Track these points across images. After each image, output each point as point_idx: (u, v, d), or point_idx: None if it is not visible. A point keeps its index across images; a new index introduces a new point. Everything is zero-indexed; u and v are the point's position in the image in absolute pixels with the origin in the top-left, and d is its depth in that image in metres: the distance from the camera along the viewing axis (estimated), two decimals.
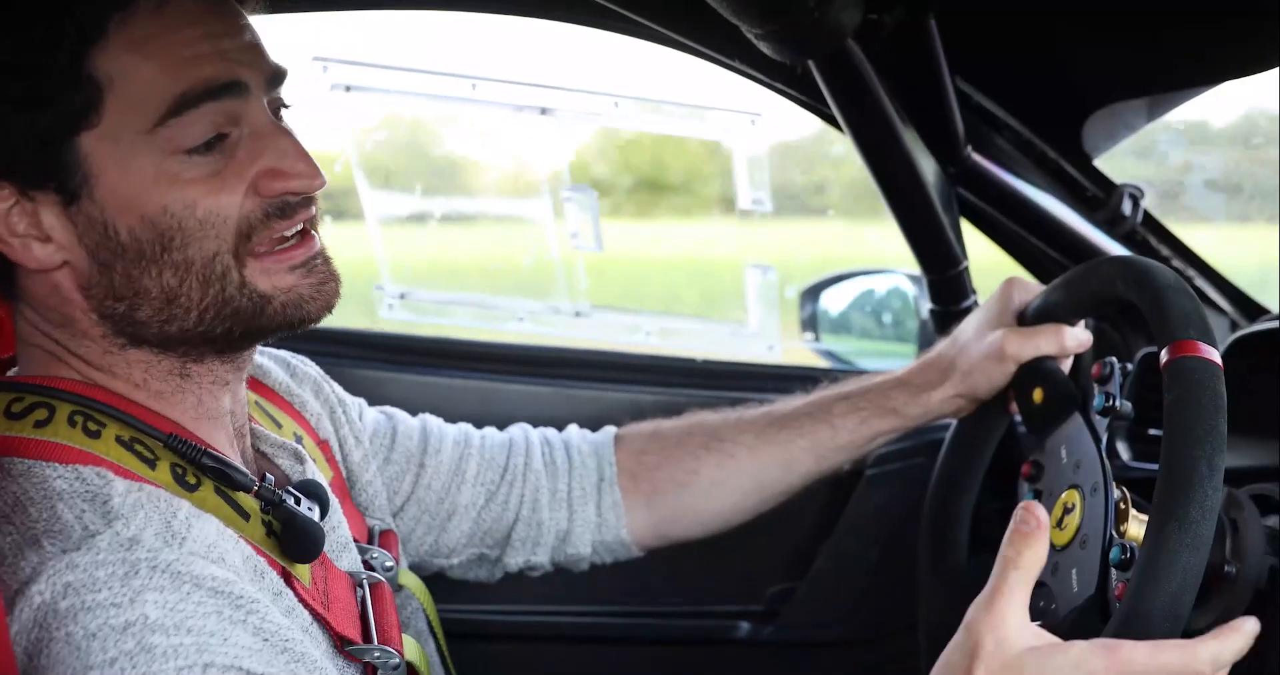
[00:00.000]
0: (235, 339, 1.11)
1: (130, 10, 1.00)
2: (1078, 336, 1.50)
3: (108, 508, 0.98)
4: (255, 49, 1.07)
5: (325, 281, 1.12)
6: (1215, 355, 1.18)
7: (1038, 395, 1.48)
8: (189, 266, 1.05)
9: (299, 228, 1.10)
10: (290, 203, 1.08)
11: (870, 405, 1.58)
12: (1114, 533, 1.25)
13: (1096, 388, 1.40)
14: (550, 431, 1.64)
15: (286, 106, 1.13)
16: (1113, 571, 1.20)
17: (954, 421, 1.62)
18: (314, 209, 1.12)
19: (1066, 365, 1.53)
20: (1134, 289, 1.32)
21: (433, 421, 1.58)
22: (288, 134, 1.08)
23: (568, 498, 1.57)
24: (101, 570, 0.92)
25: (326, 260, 1.13)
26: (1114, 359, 1.40)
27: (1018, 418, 1.57)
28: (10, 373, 1.16)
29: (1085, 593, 1.23)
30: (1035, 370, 1.50)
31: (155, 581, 0.93)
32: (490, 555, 1.57)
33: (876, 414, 1.58)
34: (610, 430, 1.64)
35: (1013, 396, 1.54)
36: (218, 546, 1.01)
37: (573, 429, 1.66)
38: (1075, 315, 1.51)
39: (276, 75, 1.09)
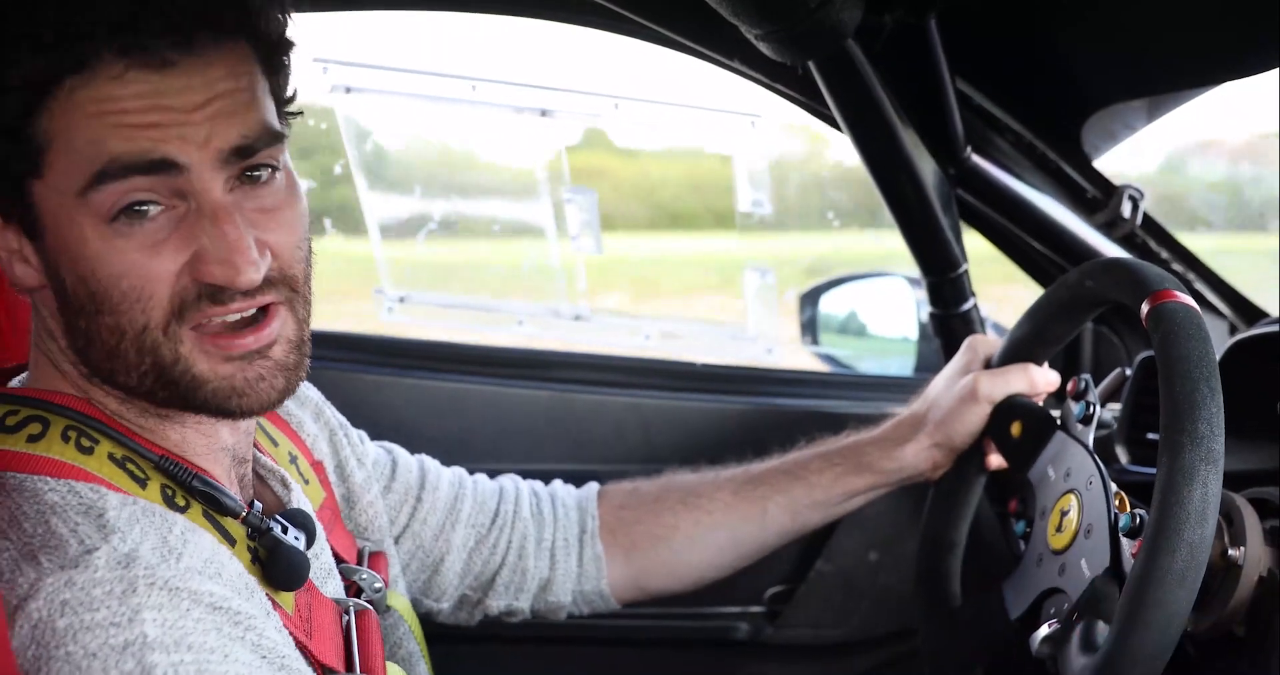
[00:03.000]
0: (178, 407, 1.08)
1: (88, 75, 0.97)
2: (1046, 375, 1.53)
3: (103, 521, 0.97)
4: (213, 122, 1.01)
5: (263, 379, 1.07)
6: (1192, 302, 1.19)
7: (1016, 429, 1.49)
8: (122, 332, 1.03)
9: (248, 313, 1.06)
10: (225, 289, 1.03)
11: (845, 462, 1.60)
12: (1117, 513, 1.25)
13: (1074, 402, 1.41)
14: (537, 483, 1.67)
15: (273, 167, 1.07)
16: (1124, 542, 1.21)
17: (931, 485, 1.62)
18: (270, 296, 1.06)
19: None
20: (1101, 278, 1.34)
21: (429, 461, 1.60)
22: (229, 220, 1.01)
23: (551, 548, 1.59)
24: (99, 588, 0.92)
25: (286, 350, 1.08)
26: (1087, 376, 1.42)
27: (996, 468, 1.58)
28: (19, 379, 1.16)
29: (1099, 570, 1.23)
30: (1009, 407, 1.52)
31: (153, 599, 0.93)
32: (473, 598, 1.59)
33: (851, 471, 1.60)
34: (593, 486, 1.67)
35: (990, 446, 1.55)
36: (214, 561, 1.01)
37: (557, 483, 1.68)
38: (1043, 347, 1.52)
39: (241, 150, 1.02)
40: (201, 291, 1.02)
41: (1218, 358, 1.18)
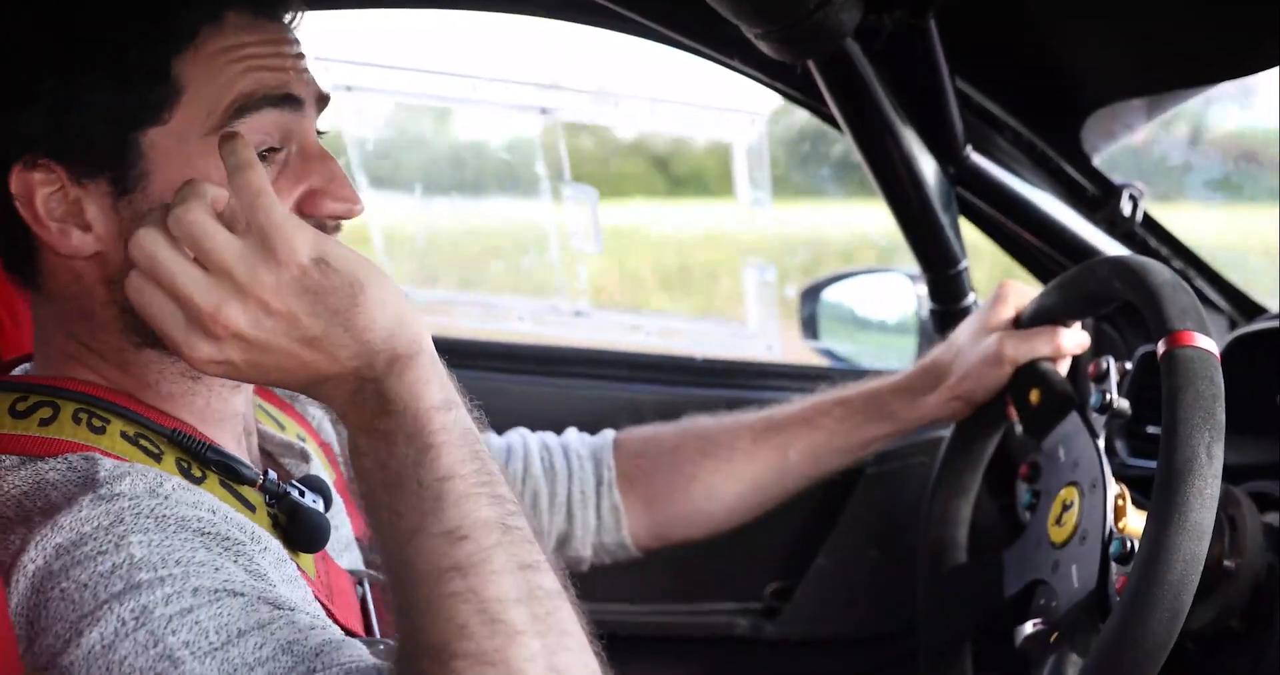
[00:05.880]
0: None
1: (220, 22, 1.05)
2: (1074, 338, 1.52)
3: (93, 478, 0.98)
4: (309, 73, 1.11)
5: None
6: (1213, 346, 1.18)
7: (1034, 396, 1.49)
8: None
9: None
10: (327, 225, 1.09)
11: (866, 409, 1.60)
12: (1114, 528, 1.25)
13: (1093, 386, 1.41)
14: (549, 436, 1.65)
15: (323, 133, 1.15)
16: (1113, 566, 1.21)
17: (952, 426, 1.63)
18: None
19: (1063, 368, 1.54)
20: (1130, 286, 1.32)
21: None
22: (333, 159, 1.11)
23: (567, 502, 1.59)
24: (87, 525, 0.94)
25: None
26: (1110, 358, 1.41)
27: (1016, 424, 1.58)
28: (20, 369, 1.16)
29: (1086, 588, 1.24)
30: (1032, 372, 1.51)
31: (140, 524, 0.94)
32: None
33: (872, 418, 1.60)
34: (609, 434, 1.66)
35: (1010, 399, 1.55)
36: (203, 503, 1.01)
37: (571, 432, 1.67)
38: (1071, 317, 1.52)
39: (323, 99, 1.13)
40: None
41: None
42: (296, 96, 1.08)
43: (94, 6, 1.03)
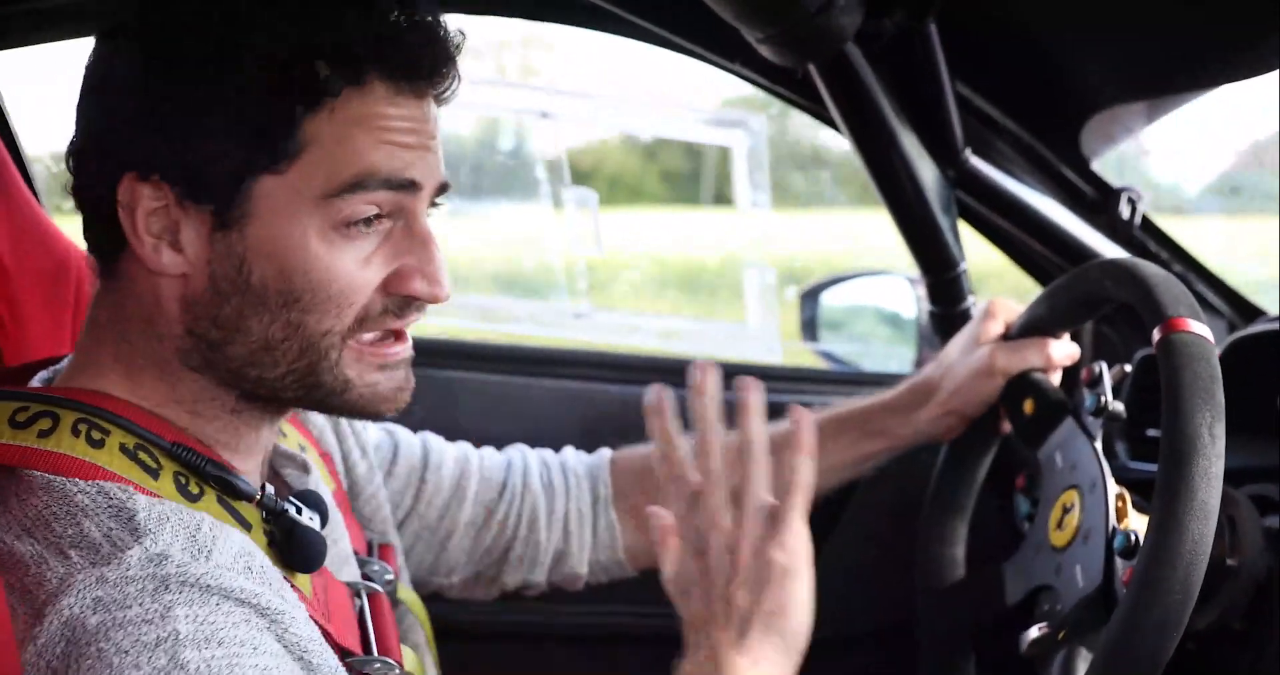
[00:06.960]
0: (301, 405, 1.14)
1: (363, 88, 1.04)
2: (1065, 348, 1.53)
3: (134, 524, 0.97)
4: (437, 157, 1.11)
5: (402, 388, 1.15)
6: (1208, 332, 1.19)
7: (1028, 406, 1.50)
8: (300, 329, 1.06)
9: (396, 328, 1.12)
10: (409, 305, 1.10)
11: (859, 428, 1.61)
12: (1115, 526, 1.25)
13: (1087, 391, 1.41)
14: (547, 453, 1.66)
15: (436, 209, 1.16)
16: (1118, 560, 1.21)
17: (945, 443, 1.63)
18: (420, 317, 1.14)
19: (1055, 379, 1.54)
20: (1122, 284, 1.33)
21: (433, 439, 1.59)
22: (436, 243, 1.11)
23: (564, 519, 1.59)
24: (132, 586, 0.93)
25: (409, 365, 1.16)
26: (1103, 362, 1.41)
27: (1009, 432, 1.58)
28: (40, 377, 1.16)
29: (1091, 586, 1.24)
30: (1024, 382, 1.52)
31: (185, 596, 0.94)
32: (487, 574, 1.59)
33: (865, 436, 1.60)
34: (605, 452, 1.66)
35: (1004, 412, 1.55)
36: (243, 555, 1.01)
37: (568, 450, 1.67)
38: (1061, 326, 1.53)
39: (443, 187, 1.12)
40: (389, 305, 1.09)
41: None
42: (417, 182, 1.07)
43: (237, 45, 1.01)
